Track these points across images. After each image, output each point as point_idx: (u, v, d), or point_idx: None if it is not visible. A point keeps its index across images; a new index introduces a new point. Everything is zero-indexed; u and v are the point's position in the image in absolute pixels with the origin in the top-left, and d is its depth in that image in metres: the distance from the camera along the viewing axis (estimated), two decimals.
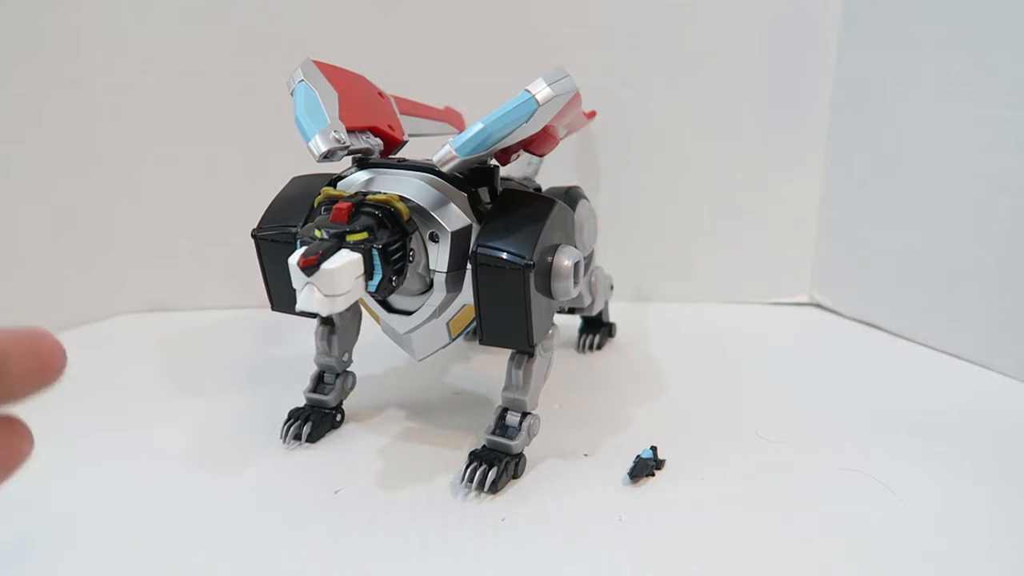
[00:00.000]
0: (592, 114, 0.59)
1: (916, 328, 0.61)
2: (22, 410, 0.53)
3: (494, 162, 0.42)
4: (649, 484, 0.42)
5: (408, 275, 0.38)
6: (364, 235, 0.35)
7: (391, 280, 0.37)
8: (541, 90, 0.37)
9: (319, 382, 0.48)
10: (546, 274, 0.40)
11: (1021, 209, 0.53)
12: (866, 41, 0.61)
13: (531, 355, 0.42)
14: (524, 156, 0.44)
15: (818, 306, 0.70)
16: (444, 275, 0.39)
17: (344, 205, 0.36)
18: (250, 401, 0.51)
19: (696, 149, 0.66)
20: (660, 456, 0.43)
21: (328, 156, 0.38)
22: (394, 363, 0.56)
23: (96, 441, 0.46)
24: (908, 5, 0.58)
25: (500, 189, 0.41)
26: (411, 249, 0.38)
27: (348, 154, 0.40)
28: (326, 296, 0.33)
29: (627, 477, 0.42)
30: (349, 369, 0.49)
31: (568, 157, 0.66)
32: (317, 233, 0.35)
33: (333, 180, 0.41)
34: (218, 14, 0.61)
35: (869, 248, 0.64)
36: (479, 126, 0.36)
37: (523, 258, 0.38)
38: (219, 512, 0.39)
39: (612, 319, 0.62)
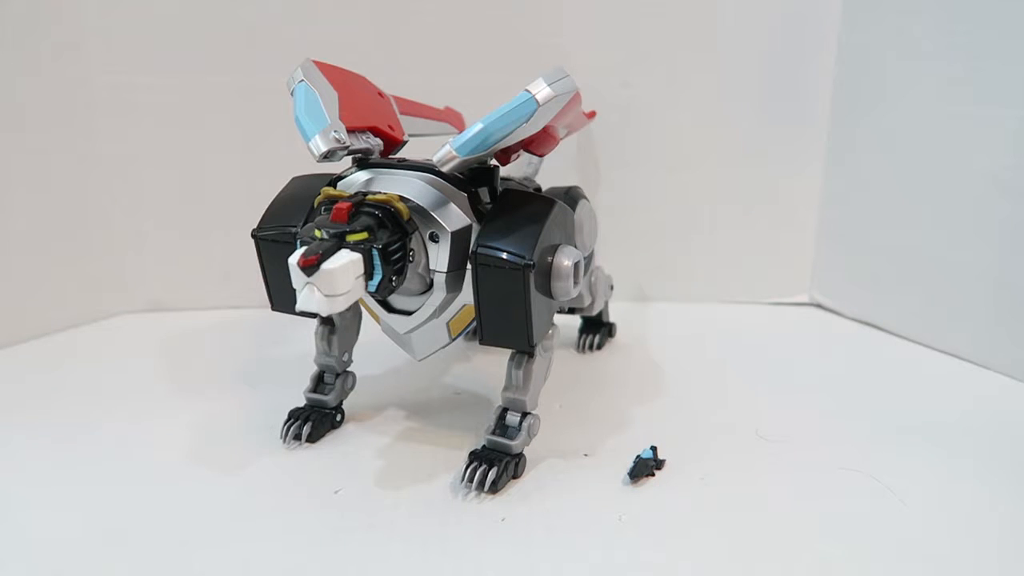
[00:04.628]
0: (592, 114, 0.59)
1: (916, 328, 0.61)
2: (24, 411, 0.53)
3: (494, 162, 0.42)
4: (649, 484, 0.42)
5: (408, 275, 0.38)
6: (364, 235, 0.35)
7: (391, 280, 0.37)
8: (541, 90, 0.37)
9: (319, 382, 0.48)
10: (546, 274, 0.40)
11: (1021, 209, 0.53)
12: (866, 41, 0.61)
13: (531, 355, 0.42)
14: (524, 156, 0.44)
15: (818, 306, 0.70)
16: (444, 275, 0.39)
17: (344, 205, 0.36)
18: (250, 401, 0.51)
19: (696, 149, 0.66)
20: (660, 456, 0.43)
21: (328, 156, 0.38)
22: (394, 363, 0.56)
23: (96, 440, 0.46)
24: (908, 5, 0.58)
25: (500, 189, 0.42)
26: (411, 249, 0.38)
27: (348, 154, 0.40)
28: (326, 296, 0.33)
29: (627, 477, 0.42)
30: (349, 369, 0.49)
31: (568, 157, 0.65)
32: (317, 233, 0.35)
33: (333, 180, 0.41)
34: (218, 14, 0.61)
35: (869, 248, 0.64)
36: (479, 126, 0.36)
37: (523, 258, 0.38)
38: (219, 512, 0.39)
39: (612, 319, 0.62)
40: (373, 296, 0.40)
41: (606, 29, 0.64)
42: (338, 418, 0.48)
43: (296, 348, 0.56)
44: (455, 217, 0.39)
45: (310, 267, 0.33)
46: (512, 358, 0.43)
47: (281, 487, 0.42)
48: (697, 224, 0.68)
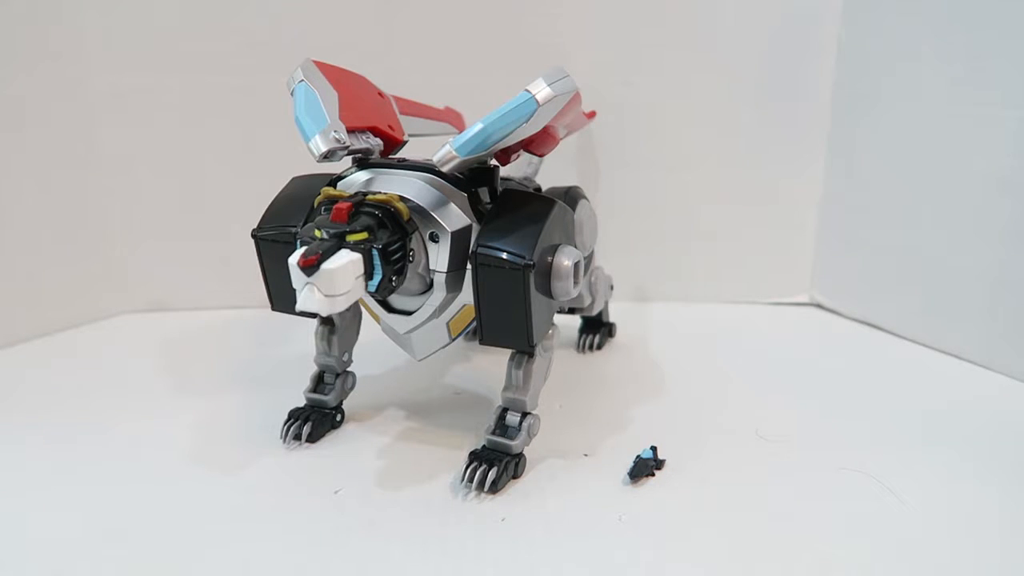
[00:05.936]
0: (592, 114, 0.59)
1: (916, 328, 0.61)
2: (24, 411, 0.53)
3: (494, 162, 0.42)
4: (649, 484, 0.42)
5: (408, 275, 0.38)
6: (364, 235, 0.35)
7: (391, 280, 0.37)
8: (541, 90, 0.37)
9: (319, 382, 0.48)
10: (546, 274, 0.40)
11: (1021, 209, 0.53)
12: (866, 41, 0.61)
13: (531, 355, 0.42)
14: (524, 156, 0.44)
15: (818, 306, 0.70)
16: (444, 275, 0.39)
17: (344, 205, 0.36)
18: (250, 401, 0.51)
19: (696, 149, 0.66)
20: (660, 456, 0.43)
21: (328, 156, 0.38)
22: (394, 363, 0.56)
23: (96, 440, 0.46)
24: (908, 5, 0.58)
25: (500, 189, 0.42)
26: (411, 249, 0.38)
27: (348, 154, 0.40)
28: (326, 296, 0.33)
29: (627, 477, 0.42)
30: (349, 369, 0.49)
31: (568, 157, 0.65)
32: (317, 233, 0.35)
33: (333, 180, 0.41)
34: (218, 14, 0.61)
35: (869, 248, 0.64)
36: (479, 126, 0.36)
37: (523, 258, 0.38)
38: (219, 512, 0.39)
39: (612, 319, 0.62)
40: (373, 296, 0.40)
41: (606, 29, 0.64)
42: (338, 418, 0.48)
43: (296, 348, 0.56)
44: (455, 217, 0.39)
45: (310, 267, 0.33)
46: (512, 358, 0.43)
47: (281, 487, 0.42)
48: (697, 224, 0.68)
